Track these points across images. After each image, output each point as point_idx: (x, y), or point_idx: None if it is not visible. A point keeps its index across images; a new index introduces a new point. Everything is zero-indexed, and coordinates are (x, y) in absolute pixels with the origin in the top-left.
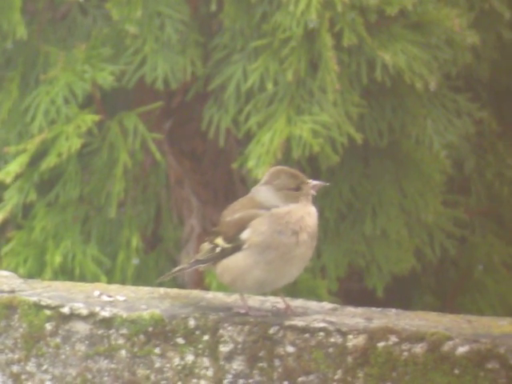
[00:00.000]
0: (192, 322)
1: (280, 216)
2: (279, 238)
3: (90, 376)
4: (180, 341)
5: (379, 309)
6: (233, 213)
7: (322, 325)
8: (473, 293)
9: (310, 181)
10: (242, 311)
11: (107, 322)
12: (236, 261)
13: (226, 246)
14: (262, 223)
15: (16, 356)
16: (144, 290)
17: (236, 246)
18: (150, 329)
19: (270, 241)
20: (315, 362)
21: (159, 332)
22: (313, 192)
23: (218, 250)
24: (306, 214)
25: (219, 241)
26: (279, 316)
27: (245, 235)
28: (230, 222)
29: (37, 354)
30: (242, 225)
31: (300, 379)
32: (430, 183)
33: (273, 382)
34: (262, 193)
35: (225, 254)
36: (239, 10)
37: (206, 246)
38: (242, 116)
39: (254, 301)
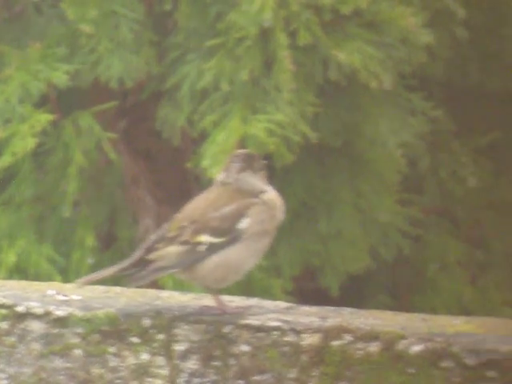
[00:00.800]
0: (147, 321)
1: (271, 201)
2: (273, 224)
3: (44, 375)
4: (135, 340)
5: (334, 308)
6: (218, 207)
7: (276, 324)
8: (427, 291)
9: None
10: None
11: (62, 321)
12: (235, 254)
13: (217, 240)
14: (260, 211)
15: None
16: (99, 289)
17: (233, 238)
18: (105, 328)
19: (268, 227)
20: (270, 361)
21: (114, 331)
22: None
23: (201, 248)
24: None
25: (204, 238)
26: (234, 315)
27: (243, 225)
28: (224, 215)
29: None
30: (239, 215)
31: (255, 378)
32: (384, 182)
33: (227, 380)
34: (247, 179)
35: (214, 249)
36: (194, 9)
37: (175, 249)
38: (197, 115)
39: (210, 300)
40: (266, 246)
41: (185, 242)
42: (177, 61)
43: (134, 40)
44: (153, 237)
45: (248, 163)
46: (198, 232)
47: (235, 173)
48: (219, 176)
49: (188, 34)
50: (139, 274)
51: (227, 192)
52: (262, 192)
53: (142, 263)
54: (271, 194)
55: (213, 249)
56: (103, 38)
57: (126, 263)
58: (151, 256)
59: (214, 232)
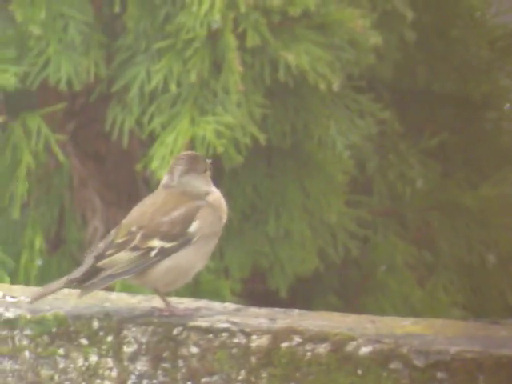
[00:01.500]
0: (96, 323)
1: (216, 203)
2: (220, 225)
3: None
4: (84, 341)
5: (283, 309)
6: (166, 212)
7: (225, 325)
8: (375, 293)
9: (208, 160)
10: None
11: (11, 323)
12: (186, 257)
13: (169, 244)
14: (208, 213)
15: None
16: None
17: (184, 242)
18: (54, 329)
19: (215, 230)
20: (219, 363)
21: (63, 333)
22: (210, 173)
23: (153, 253)
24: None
25: (155, 243)
26: (183, 316)
27: (193, 228)
28: (173, 219)
29: None
30: (188, 219)
31: (204, 380)
32: (332, 183)
33: (177, 382)
34: (191, 181)
35: (166, 254)
36: (143, 11)
37: (125, 255)
38: (146, 117)
39: (159, 302)
40: (214, 247)
41: (135, 248)
42: (126, 63)
43: (82, 42)
44: (101, 244)
45: (191, 165)
46: (148, 237)
47: (178, 176)
48: (163, 179)
49: (137, 35)
50: (90, 282)
51: (173, 195)
52: (206, 194)
53: (93, 271)
54: (215, 195)
55: (164, 253)
56: (52, 40)
57: (76, 274)
58: (101, 263)
59: (165, 237)
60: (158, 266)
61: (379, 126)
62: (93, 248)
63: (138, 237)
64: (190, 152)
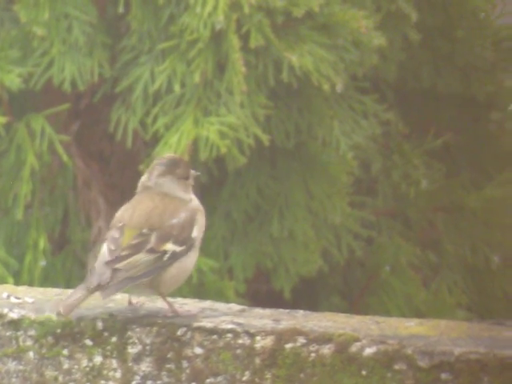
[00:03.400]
0: (100, 324)
1: (201, 208)
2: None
3: None
4: (88, 342)
5: (287, 310)
6: (172, 213)
7: (230, 326)
8: (380, 294)
9: (193, 171)
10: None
11: (15, 324)
12: (191, 261)
13: (180, 248)
14: (201, 218)
15: None
16: (52, 292)
17: (189, 246)
18: (58, 330)
19: (203, 235)
20: (223, 364)
21: (67, 333)
22: (192, 182)
23: (166, 256)
24: None
25: (169, 246)
26: (187, 317)
27: (195, 233)
28: (183, 222)
29: None
30: (192, 223)
31: (208, 380)
32: (336, 184)
33: (181, 383)
34: (167, 184)
35: (176, 257)
36: (147, 12)
37: (143, 257)
38: (150, 118)
39: (162, 303)
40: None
41: (152, 250)
42: (130, 63)
43: (86, 43)
44: (112, 246)
45: (170, 168)
46: (162, 240)
47: (155, 176)
48: (143, 178)
49: (141, 36)
50: (108, 285)
51: (161, 196)
52: (190, 200)
53: (112, 274)
54: (197, 203)
55: (175, 257)
56: (56, 41)
57: (96, 279)
58: (120, 265)
59: (176, 240)
60: (169, 269)
61: (383, 126)
62: (95, 251)
63: (153, 239)
64: (177, 156)
